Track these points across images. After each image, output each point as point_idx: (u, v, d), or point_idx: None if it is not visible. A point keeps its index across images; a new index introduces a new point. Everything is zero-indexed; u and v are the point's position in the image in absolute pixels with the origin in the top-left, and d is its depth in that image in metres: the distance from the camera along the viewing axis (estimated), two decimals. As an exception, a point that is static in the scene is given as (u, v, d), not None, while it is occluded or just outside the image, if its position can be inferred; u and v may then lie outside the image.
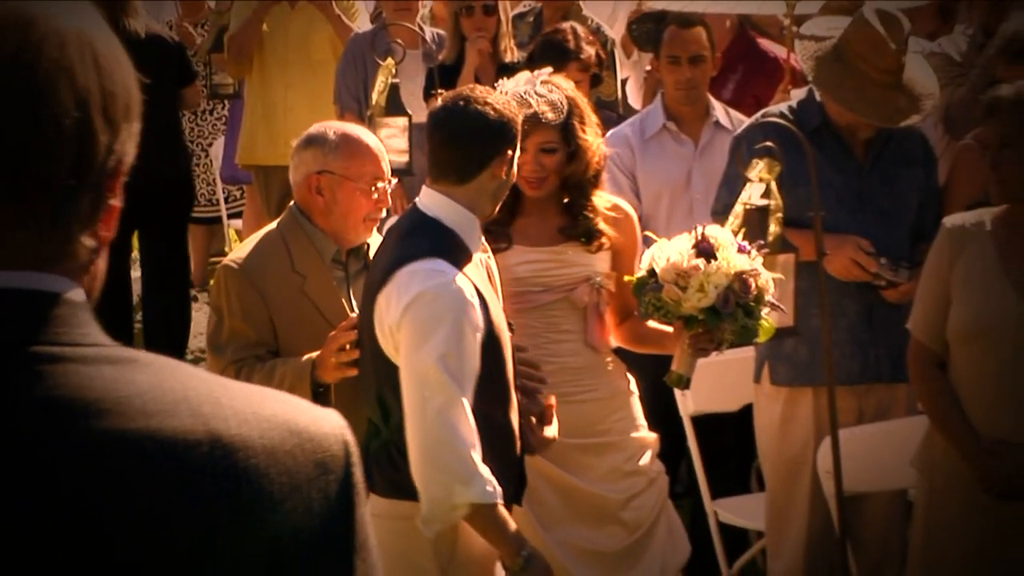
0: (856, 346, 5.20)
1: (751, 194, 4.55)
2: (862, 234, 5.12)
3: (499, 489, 3.79)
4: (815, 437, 5.09)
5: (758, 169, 4.55)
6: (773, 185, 4.54)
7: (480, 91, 4.07)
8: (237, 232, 10.23)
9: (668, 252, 4.23)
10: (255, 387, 1.45)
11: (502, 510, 3.85)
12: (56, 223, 1.40)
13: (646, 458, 4.64)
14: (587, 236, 4.50)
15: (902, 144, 5.29)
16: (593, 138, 4.50)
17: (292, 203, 4.52)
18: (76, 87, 1.39)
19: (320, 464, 1.42)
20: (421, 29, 7.66)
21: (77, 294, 1.42)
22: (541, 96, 4.41)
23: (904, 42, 5.13)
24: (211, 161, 10.02)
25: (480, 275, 3.96)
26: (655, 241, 4.37)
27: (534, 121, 4.32)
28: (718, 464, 5.69)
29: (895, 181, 5.26)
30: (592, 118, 4.55)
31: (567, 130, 4.43)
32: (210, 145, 10.05)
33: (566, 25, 6.53)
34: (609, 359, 4.62)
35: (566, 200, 4.53)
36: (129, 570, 1.33)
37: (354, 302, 4.32)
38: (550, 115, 4.40)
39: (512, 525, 3.88)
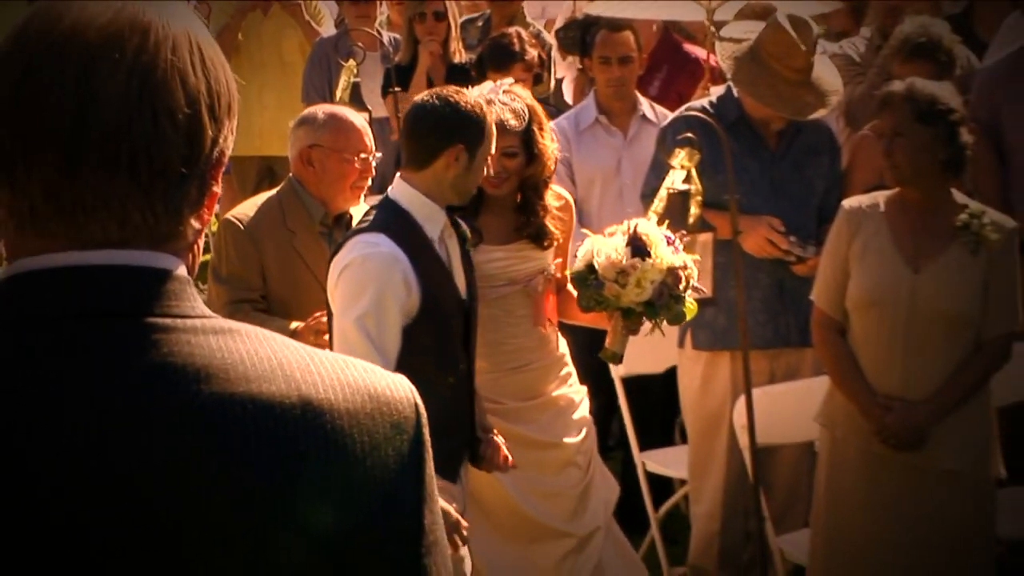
0: (768, 315, 5.23)
1: (674, 179, 4.55)
2: (774, 215, 5.15)
3: None
4: (732, 395, 5.11)
5: (680, 157, 4.55)
6: (694, 171, 4.55)
7: (451, 90, 4.07)
8: (215, 215, 10.22)
9: (605, 250, 4.19)
10: (337, 355, 1.44)
11: None
12: (168, 207, 1.40)
13: (583, 409, 4.66)
14: (539, 234, 4.48)
15: (810, 135, 5.32)
16: (549, 143, 4.46)
17: (291, 174, 4.67)
18: (188, 86, 1.39)
19: (395, 425, 1.42)
20: (379, 33, 7.66)
21: (183, 270, 1.42)
22: (504, 104, 4.37)
23: (813, 44, 5.16)
24: (192, 153, 9.97)
25: (433, 254, 3.97)
26: (588, 236, 4.34)
27: (499, 127, 4.29)
28: (645, 420, 5.71)
29: (803, 168, 5.29)
30: (548, 124, 4.53)
31: (528, 136, 4.39)
32: (191, 138, 9.99)
33: (512, 30, 6.52)
34: (550, 332, 4.63)
35: (519, 200, 4.51)
36: (234, 521, 1.34)
37: None
38: (513, 122, 4.35)
39: None
